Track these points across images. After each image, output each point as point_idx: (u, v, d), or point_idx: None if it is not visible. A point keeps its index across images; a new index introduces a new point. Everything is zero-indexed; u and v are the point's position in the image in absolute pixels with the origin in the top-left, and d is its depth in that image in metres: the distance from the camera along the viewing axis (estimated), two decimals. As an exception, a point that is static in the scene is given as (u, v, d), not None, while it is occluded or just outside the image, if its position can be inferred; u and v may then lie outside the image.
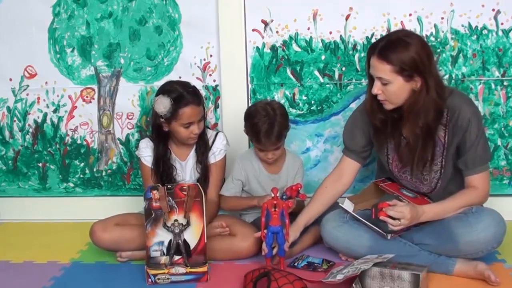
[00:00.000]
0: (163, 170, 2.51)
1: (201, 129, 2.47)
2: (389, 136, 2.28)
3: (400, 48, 2.09)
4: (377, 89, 2.15)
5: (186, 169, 2.55)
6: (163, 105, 2.37)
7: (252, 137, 2.45)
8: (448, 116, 2.18)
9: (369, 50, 2.16)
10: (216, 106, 2.83)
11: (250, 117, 2.44)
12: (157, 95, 2.43)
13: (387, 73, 2.10)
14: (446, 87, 2.22)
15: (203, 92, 2.78)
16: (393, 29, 2.65)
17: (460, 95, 2.24)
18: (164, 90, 2.43)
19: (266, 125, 2.38)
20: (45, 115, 2.94)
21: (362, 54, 2.70)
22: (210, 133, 2.58)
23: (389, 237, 2.19)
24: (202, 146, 2.54)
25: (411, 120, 2.17)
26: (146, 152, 2.53)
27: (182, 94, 2.39)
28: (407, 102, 2.15)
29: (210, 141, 2.55)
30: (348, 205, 2.33)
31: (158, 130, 2.48)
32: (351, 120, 2.42)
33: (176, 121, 2.41)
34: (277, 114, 2.41)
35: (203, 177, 2.54)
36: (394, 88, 2.12)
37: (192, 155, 2.55)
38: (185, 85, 2.45)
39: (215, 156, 2.55)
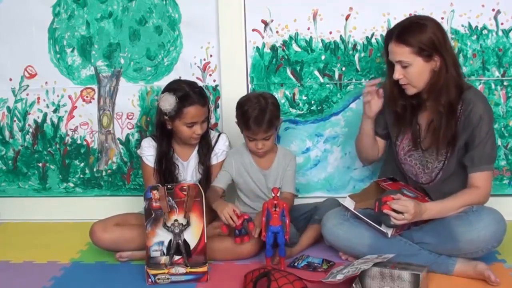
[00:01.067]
0: (166, 167, 2.51)
1: (204, 130, 2.47)
2: (407, 123, 2.32)
3: (417, 29, 2.17)
4: (398, 73, 2.20)
5: (187, 169, 2.55)
6: (168, 102, 2.37)
7: (242, 125, 2.44)
8: (462, 108, 2.22)
9: (386, 37, 2.25)
10: (216, 106, 2.82)
11: (241, 105, 2.45)
12: (163, 92, 2.44)
13: (407, 55, 2.16)
14: (465, 81, 2.29)
15: (204, 92, 2.79)
16: (393, 29, 2.65)
17: (477, 92, 2.32)
18: (171, 88, 2.44)
19: (257, 111, 2.38)
20: (45, 115, 2.94)
21: (362, 54, 2.70)
22: (213, 134, 2.58)
23: (389, 236, 2.20)
24: (205, 147, 2.54)
25: (432, 99, 2.23)
26: (148, 151, 2.53)
27: (188, 93, 2.40)
28: (428, 84, 2.21)
29: (213, 142, 2.56)
30: (349, 203, 2.34)
31: (162, 127, 2.48)
32: None
33: (179, 120, 2.41)
34: (269, 103, 2.42)
35: (205, 178, 2.54)
36: (415, 70, 2.18)
37: (194, 156, 2.55)
38: (192, 85, 2.47)
39: (217, 157, 2.55)
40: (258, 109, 2.39)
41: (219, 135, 2.58)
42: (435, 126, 2.25)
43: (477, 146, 2.21)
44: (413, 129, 2.32)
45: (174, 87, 2.44)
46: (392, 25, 2.62)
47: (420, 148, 2.32)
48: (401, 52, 2.17)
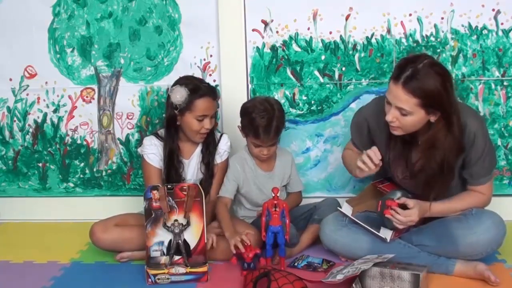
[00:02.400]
0: (173, 165, 2.50)
1: (212, 126, 2.47)
2: (398, 155, 2.21)
3: (428, 81, 1.97)
4: (392, 116, 2.05)
5: (188, 168, 2.55)
6: (180, 94, 2.37)
7: (249, 132, 2.42)
8: None
9: (393, 73, 2.04)
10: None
11: (248, 112, 2.42)
12: (172, 86, 2.44)
13: (411, 106, 1.99)
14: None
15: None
16: (393, 29, 2.65)
17: (465, 108, 2.18)
18: (181, 81, 2.45)
19: (265, 120, 2.37)
20: (45, 115, 2.94)
21: (362, 54, 2.70)
22: (214, 134, 2.58)
23: (388, 241, 2.19)
24: (211, 145, 2.54)
25: (427, 155, 2.11)
26: (150, 149, 2.52)
27: (198, 85, 2.42)
28: (421, 132, 2.09)
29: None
30: (346, 209, 2.33)
31: (171, 123, 2.47)
32: (358, 120, 2.33)
33: (190, 113, 2.41)
34: (275, 109, 2.40)
35: (209, 178, 2.54)
36: (413, 120, 2.03)
37: (196, 155, 2.55)
38: (201, 80, 2.52)
39: (220, 157, 2.55)
40: (267, 118, 2.37)
41: (220, 136, 2.58)
42: (428, 178, 2.14)
43: (475, 163, 2.15)
44: (408, 160, 2.20)
45: (184, 81, 2.45)
46: (392, 26, 2.64)
47: (414, 177, 2.23)
48: (405, 100, 1.98)
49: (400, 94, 1.99)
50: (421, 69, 1.98)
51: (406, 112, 2.02)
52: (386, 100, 2.08)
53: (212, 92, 2.44)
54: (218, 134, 2.58)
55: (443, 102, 2.00)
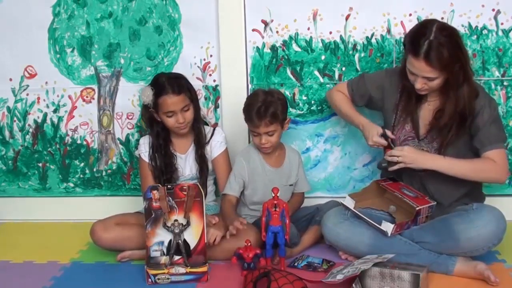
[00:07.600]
0: (162, 159, 2.51)
1: (188, 118, 2.48)
2: (411, 111, 2.35)
3: (444, 48, 2.14)
4: (420, 85, 2.22)
5: (186, 163, 2.56)
6: (145, 94, 2.43)
7: (245, 118, 2.45)
8: None
9: (411, 49, 2.19)
10: (216, 106, 2.82)
11: (247, 99, 2.48)
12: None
13: (436, 73, 2.17)
14: None
15: (202, 92, 2.79)
16: (393, 29, 2.65)
17: (477, 84, 2.33)
18: (151, 80, 2.52)
19: (259, 103, 2.39)
20: (45, 115, 2.94)
21: (362, 54, 2.70)
22: (208, 129, 2.60)
23: (389, 234, 2.20)
24: (198, 136, 2.56)
25: (448, 102, 2.25)
26: (145, 148, 2.55)
27: (162, 84, 2.44)
28: (444, 86, 2.24)
29: (209, 136, 2.58)
30: (349, 202, 2.34)
31: (151, 120, 2.52)
32: (377, 74, 2.52)
33: (160, 111, 2.45)
34: (274, 97, 2.42)
35: (201, 170, 2.56)
36: (440, 80, 2.21)
37: (192, 149, 2.56)
38: (170, 76, 2.51)
39: (217, 149, 2.57)
40: (262, 102, 2.39)
41: (214, 129, 2.60)
42: (443, 126, 2.27)
43: (482, 128, 2.24)
44: (414, 118, 2.34)
45: (154, 79, 2.51)
46: (392, 26, 2.64)
47: (417, 137, 2.34)
48: (430, 71, 2.16)
49: (424, 67, 2.17)
50: (434, 40, 2.15)
51: (432, 78, 2.20)
52: (409, 71, 2.24)
53: (175, 88, 2.43)
54: (211, 129, 2.60)
55: (459, 57, 2.19)
